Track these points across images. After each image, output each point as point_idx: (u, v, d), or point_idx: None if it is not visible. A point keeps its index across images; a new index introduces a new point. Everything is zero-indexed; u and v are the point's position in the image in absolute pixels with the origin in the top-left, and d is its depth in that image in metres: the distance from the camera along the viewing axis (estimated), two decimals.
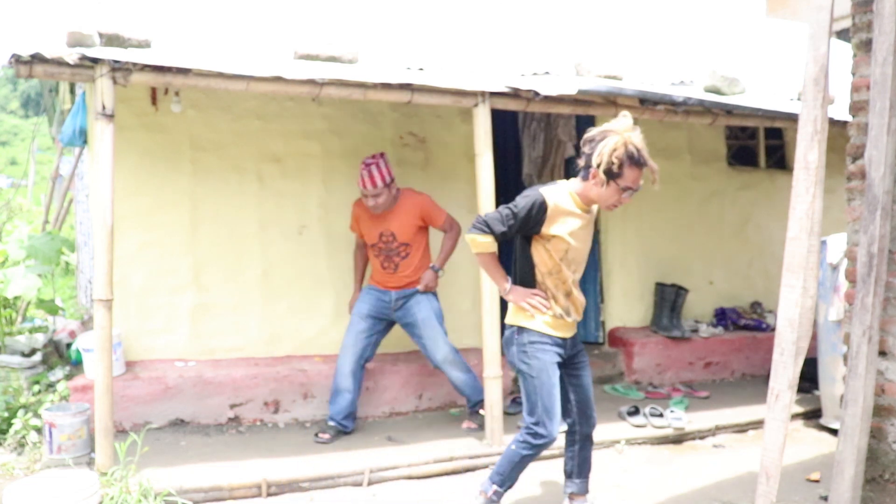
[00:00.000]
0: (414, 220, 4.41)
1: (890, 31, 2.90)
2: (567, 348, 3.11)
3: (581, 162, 2.99)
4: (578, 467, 3.30)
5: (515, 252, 3.11)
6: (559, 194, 3.00)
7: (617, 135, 2.87)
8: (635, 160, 2.90)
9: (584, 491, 3.31)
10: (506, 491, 3.17)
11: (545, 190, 3.00)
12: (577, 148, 5.89)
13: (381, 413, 4.75)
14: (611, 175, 2.89)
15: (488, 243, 3.02)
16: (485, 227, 2.98)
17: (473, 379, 4.46)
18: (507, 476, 3.14)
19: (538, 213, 2.95)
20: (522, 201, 2.96)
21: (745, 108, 4.79)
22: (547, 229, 2.97)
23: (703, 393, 5.40)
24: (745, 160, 6.79)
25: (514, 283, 3.10)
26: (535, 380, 3.03)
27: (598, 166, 2.87)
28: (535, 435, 3.06)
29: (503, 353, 3.30)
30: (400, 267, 4.42)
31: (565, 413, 3.23)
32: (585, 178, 2.99)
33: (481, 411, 4.39)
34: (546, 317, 3.04)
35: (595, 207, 3.12)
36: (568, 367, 3.16)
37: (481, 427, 4.35)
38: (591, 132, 2.96)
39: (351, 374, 4.32)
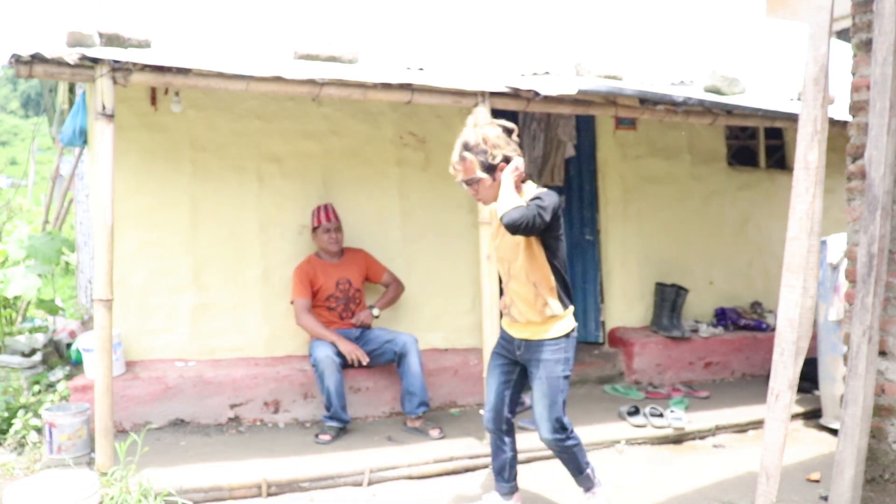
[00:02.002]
0: (362, 271, 4.76)
1: (890, 31, 2.90)
2: (515, 347, 3.19)
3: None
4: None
5: None
6: None
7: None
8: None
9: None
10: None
11: None
12: (577, 148, 5.97)
13: (381, 413, 4.75)
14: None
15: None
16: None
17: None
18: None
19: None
20: None
21: (745, 108, 4.79)
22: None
23: (703, 393, 5.40)
24: (745, 160, 6.79)
25: None
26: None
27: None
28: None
29: None
30: (356, 313, 4.69)
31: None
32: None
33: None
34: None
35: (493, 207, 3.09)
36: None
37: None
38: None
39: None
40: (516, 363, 3.22)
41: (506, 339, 3.23)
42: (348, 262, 4.73)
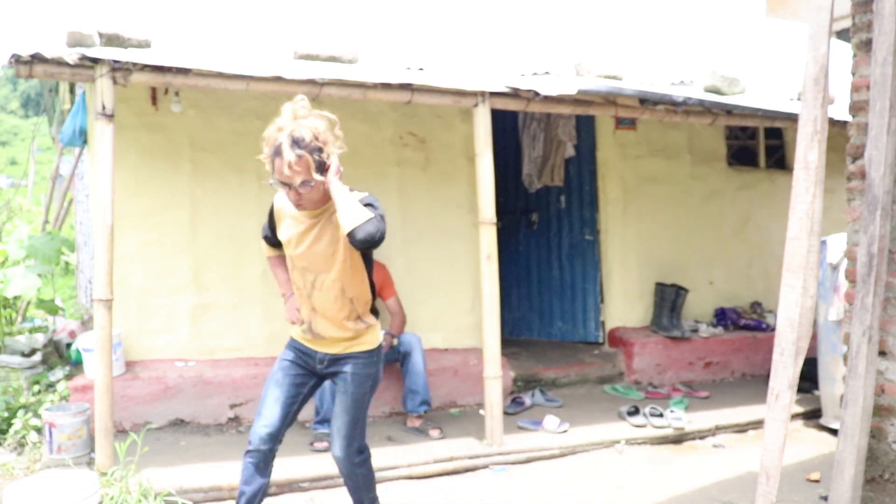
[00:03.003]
0: (376, 287, 4.59)
1: (890, 31, 2.90)
2: (316, 361, 2.80)
3: None
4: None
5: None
6: (281, 195, 2.72)
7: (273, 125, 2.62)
8: (272, 151, 2.56)
9: None
10: None
11: (278, 194, 2.73)
12: (577, 148, 5.97)
13: (381, 413, 4.75)
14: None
15: (265, 247, 2.97)
16: (263, 231, 2.88)
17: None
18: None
19: (270, 217, 2.81)
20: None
21: (745, 108, 4.79)
22: (278, 233, 2.76)
23: (703, 393, 5.39)
24: (745, 160, 6.79)
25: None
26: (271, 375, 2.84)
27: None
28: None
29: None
30: None
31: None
32: None
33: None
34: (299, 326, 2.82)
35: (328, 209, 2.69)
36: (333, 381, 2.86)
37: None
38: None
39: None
40: (313, 376, 2.84)
41: (302, 351, 2.82)
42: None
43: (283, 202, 2.73)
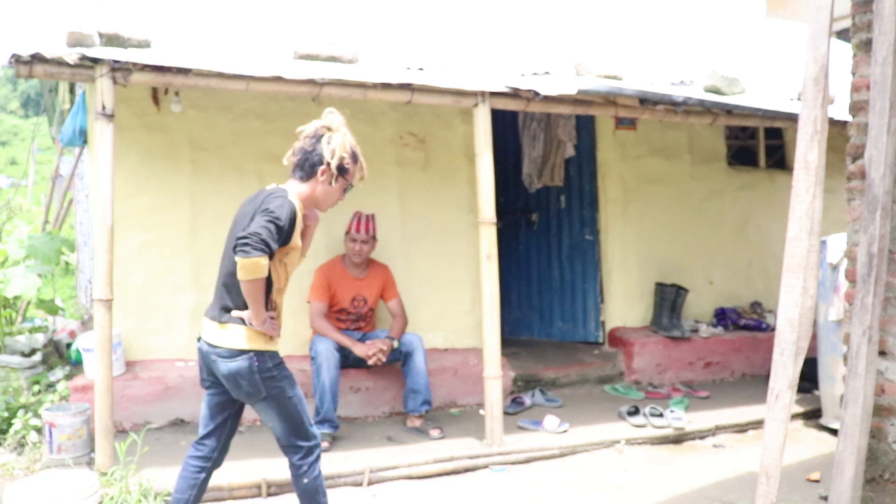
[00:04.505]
0: (379, 290, 4.69)
1: (890, 31, 2.90)
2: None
3: (297, 161, 2.81)
4: (198, 496, 2.94)
5: (234, 273, 2.61)
6: (296, 199, 2.74)
7: (340, 133, 2.82)
8: (356, 156, 2.86)
9: None
10: None
11: (291, 197, 2.71)
12: (577, 148, 5.97)
13: (381, 413, 4.75)
14: (342, 171, 2.80)
15: (266, 266, 2.56)
16: (266, 246, 2.52)
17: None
18: (325, 497, 2.90)
19: (292, 224, 2.67)
20: (281, 210, 2.61)
21: (745, 108, 4.79)
22: (292, 240, 2.70)
23: (703, 393, 5.39)
24: (745, 160, 6.79)
25: (240, 307, 2.69)
26: (293, 398, 2.75)
27: (330, 163, 2.76)
28: (317, 445, 2.85)
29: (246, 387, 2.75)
30: (363, 331, 4.68)
31: (213, 435, 2.97)
32: (307, 178, 2.79)
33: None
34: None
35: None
36: None
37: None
38: (307, 129, 2.83)
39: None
40: None
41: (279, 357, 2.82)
42: (370, 279, 4.66)
43: (298, 206, 2.73)
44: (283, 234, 2.61)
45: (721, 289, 6.32)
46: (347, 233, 4.61)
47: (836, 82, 4.91)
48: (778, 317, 2.80)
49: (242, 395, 2.76)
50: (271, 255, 2.58)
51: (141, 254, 4.56)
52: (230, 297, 2.72)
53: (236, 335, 2.68)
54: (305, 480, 2.83)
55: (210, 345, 2.75)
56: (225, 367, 2.71)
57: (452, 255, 5.29)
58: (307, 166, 2.78)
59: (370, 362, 4.35)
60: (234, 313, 2.69)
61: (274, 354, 2.74)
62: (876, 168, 2.95)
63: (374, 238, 4.62)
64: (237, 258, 2.51)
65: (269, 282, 2.66)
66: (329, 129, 2.82)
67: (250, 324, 2.66)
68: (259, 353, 2.68)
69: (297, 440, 2.80)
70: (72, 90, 5.88)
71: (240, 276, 2.55)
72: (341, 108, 5.31)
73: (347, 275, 4.61)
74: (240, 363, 2.67)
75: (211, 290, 4.68)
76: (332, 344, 4.30)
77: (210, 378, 2.85)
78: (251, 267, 2.51)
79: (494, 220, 4.21)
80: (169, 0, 4.67)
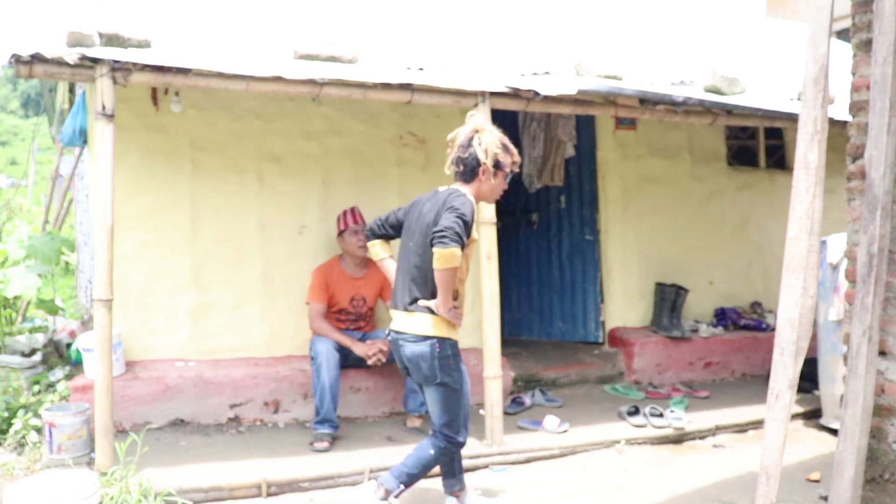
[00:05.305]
0: (378, 288, 4.69)
1: (890, 31, 2.90)
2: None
3: (458, 168, 3.15)
4: (459, 464, 3.39)
5: (421, 266, 3.10)
6: (472, 198, 3.12)
7: (488, 132, 3.13)
8: (507, 148, 3.16)
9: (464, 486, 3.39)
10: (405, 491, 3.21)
11: (469, 196, 3.09)
12: (577, 148, 5.97)
13: (381, 413, 4.75)
14: (497, 166, 3.13)
15: (460, 256, 2.95)
16: (459, 238, 2.92)
17: None
18: (416, 477, 3.19)
19: (472, 220, 3.04)
20: (465, 208, 3.00)
21: (745, 108, 4.79)
22: (472, 234, 3.09)
23: (703, 393, 5.39)
24: (745, 160, 6.79)
25: (426, 296, 3.08)
26: (459, 391, 3.13)
27: (486, 162, 3.08)
28: (455, 443, 3.18)
29: (420, 365, 3.11)
30: (362, 330, 4.67)
31: None
32: (470, 180, 3.15)
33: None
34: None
35: None
36: None
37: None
38: (460, 139, 3.15)
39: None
40: None
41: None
42: (369, 278, 4.64)
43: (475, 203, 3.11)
44: (468, 229, 2.99)
45: (721, 289, 6.32)
46: (343, 231, 4.58)
47: (836, 82, 4.91)
48: (778, 317, 2.80)
49: (421, 377, 3.12)
50: (462, 247, 2.93)
51: (141, 254, 4.56)
52: (417, 288, 3.09)
53: (422, 322, 3.06)
54: (429, 451, 3.16)
55: (397, 332, 3.14)
56: (409, 350, 3.08)
57: (452, 250, 5.27)
58: (468, 171, 3.13)
59: (370, 362, 4.36)
60: (421, 302, 3.06)
61: (454, 343, 3.10)
62: (876, 168, 2.95)
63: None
64: (436, 249, 2.89)
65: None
66: (477, 132, 3.13)
67: (437, 311, 3.02)
68: (441, 340, 3.05)
69: (445, 430, 3.14)
70: (72, 90, 5.88)
71: (437, 265, 2.92)
72: (341, 108, 5.36)
73: (345, 275, 4.61)
74: (423, 347, 3.04)
75: (211, 290, 4.73)
76: (332, 344, 4.30)
77: (402, 365, 3.20)
78: (448, 256, 2.88)
79: (494, 220, 4.21)
80: (169, 0, 4.67)
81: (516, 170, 3.21)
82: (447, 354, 3.06)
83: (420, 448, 3.19)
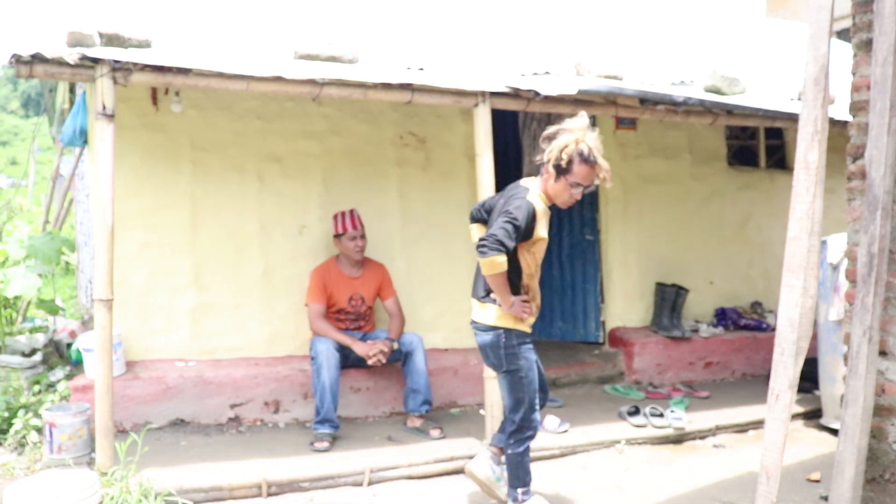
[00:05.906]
0: (376, 288, 4.70)
1: (890, 31, 2.90)
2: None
3: (540, 159, 3.17)
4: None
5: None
6: (536, 197, 3.13)
7: (570, 133, 3.07)
8: (584, 157, 3.07)
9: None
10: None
11: (530, 196, 3.11)
12: None
13: (382, 413, 4.75)
14: (560, 170, 3.08)
15: (504, 262, 3.01)
16: (502, 246, 2.97)
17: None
18: (527, 475, 3.29)
19: (532, 221, 3.07)
20: (519, 212, 3.03)
21: (745, 108, 4.79)
22: (535, 234, 3.11)
23: (704, 393, 5.40)
24: (745, 160, 6.79)
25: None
26: (524, 379, 3.19)
27: (548, 162, 3.08)
28: (529, 428, 3.25)
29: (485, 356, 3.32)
30: (363, 330, 4.67)
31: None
32: (541, 176, 3.19)
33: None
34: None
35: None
36: None
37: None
38: (550, 130, 3.11)
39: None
40: None
41: (529, 336, 3.27)
42: (367, 277, 4.66)
43: (538, 202, 3.11)
44: (522, 232, 3.02)
45: (721, 289, 6.32)
46: (341, 234, 4.56)
47: (836, 82, 4.91)
48: (778, 317, 2.80)
49: (490, 365, 3.29)
50: (510, 251, 2.99)
51: (141, 254, 4.56)
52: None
53: (490, 313, 3.19)
54: (510, 451, 3.25)
55: (473, 321, 3.28)
56: (480, 339, 3.24)
57: (453, 256, 5.29)
58: (540, 164, 3.15)
59: (370, 362, 4.36)
60: (493, 295, 3.15)
61: (521, 334, 3.19)
62: (876, 168, 2.95)
63: (364, 230, 4.66)
64: (479, 258, 3.01)
65: (518, 269, 3.14)
66: (563, 131, 3.09)
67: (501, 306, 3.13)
68: (507, 331, 3.16)
69: (514, 415, 3.22)
70: (72, 90, 5.88)
71: (483, 271, 3.03)
72: (342, 108, 5.36)
73: (343, 275, 4.61)
74: (490, 337, 3.19)
75: (211, 290, 4.73)
76: (333, 344, 4.30)
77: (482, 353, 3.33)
78: (488, 264, 2.98)
79: None
80: (169, 0, 4.67)
81: (589, 184, 3.14)
82: (512, 344, 3.16)
83: (505, 453, 3.29)
